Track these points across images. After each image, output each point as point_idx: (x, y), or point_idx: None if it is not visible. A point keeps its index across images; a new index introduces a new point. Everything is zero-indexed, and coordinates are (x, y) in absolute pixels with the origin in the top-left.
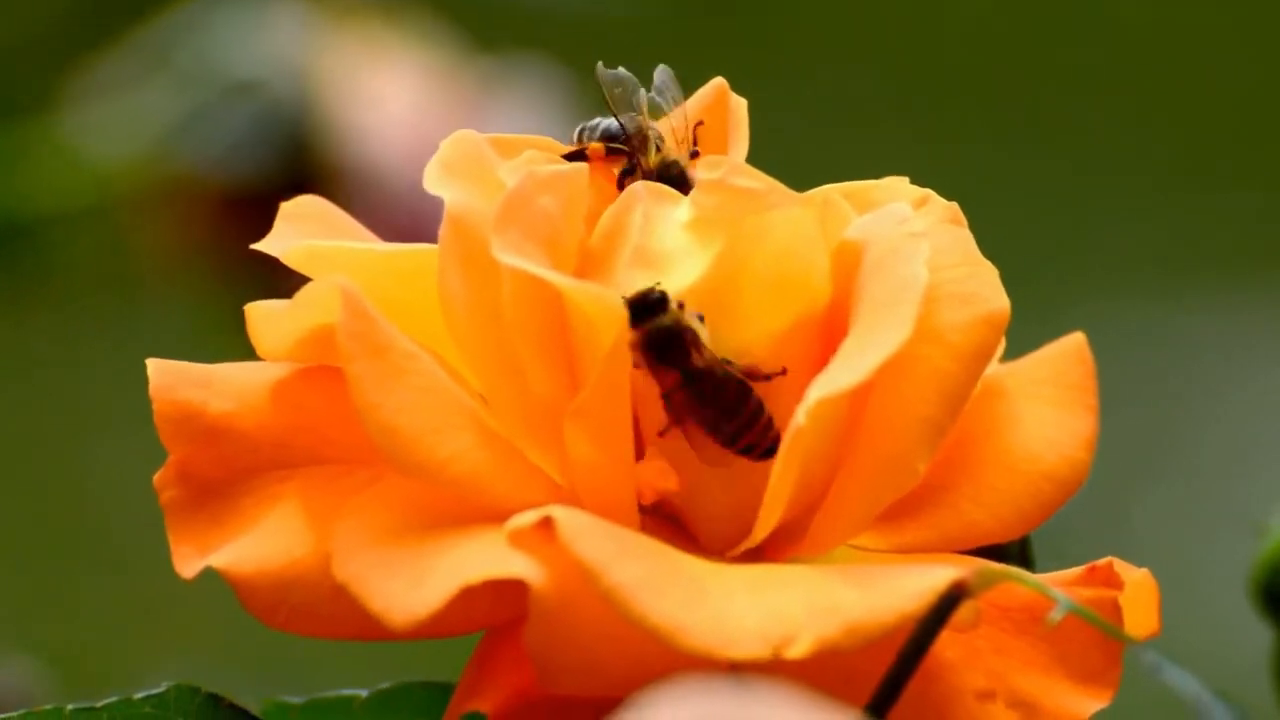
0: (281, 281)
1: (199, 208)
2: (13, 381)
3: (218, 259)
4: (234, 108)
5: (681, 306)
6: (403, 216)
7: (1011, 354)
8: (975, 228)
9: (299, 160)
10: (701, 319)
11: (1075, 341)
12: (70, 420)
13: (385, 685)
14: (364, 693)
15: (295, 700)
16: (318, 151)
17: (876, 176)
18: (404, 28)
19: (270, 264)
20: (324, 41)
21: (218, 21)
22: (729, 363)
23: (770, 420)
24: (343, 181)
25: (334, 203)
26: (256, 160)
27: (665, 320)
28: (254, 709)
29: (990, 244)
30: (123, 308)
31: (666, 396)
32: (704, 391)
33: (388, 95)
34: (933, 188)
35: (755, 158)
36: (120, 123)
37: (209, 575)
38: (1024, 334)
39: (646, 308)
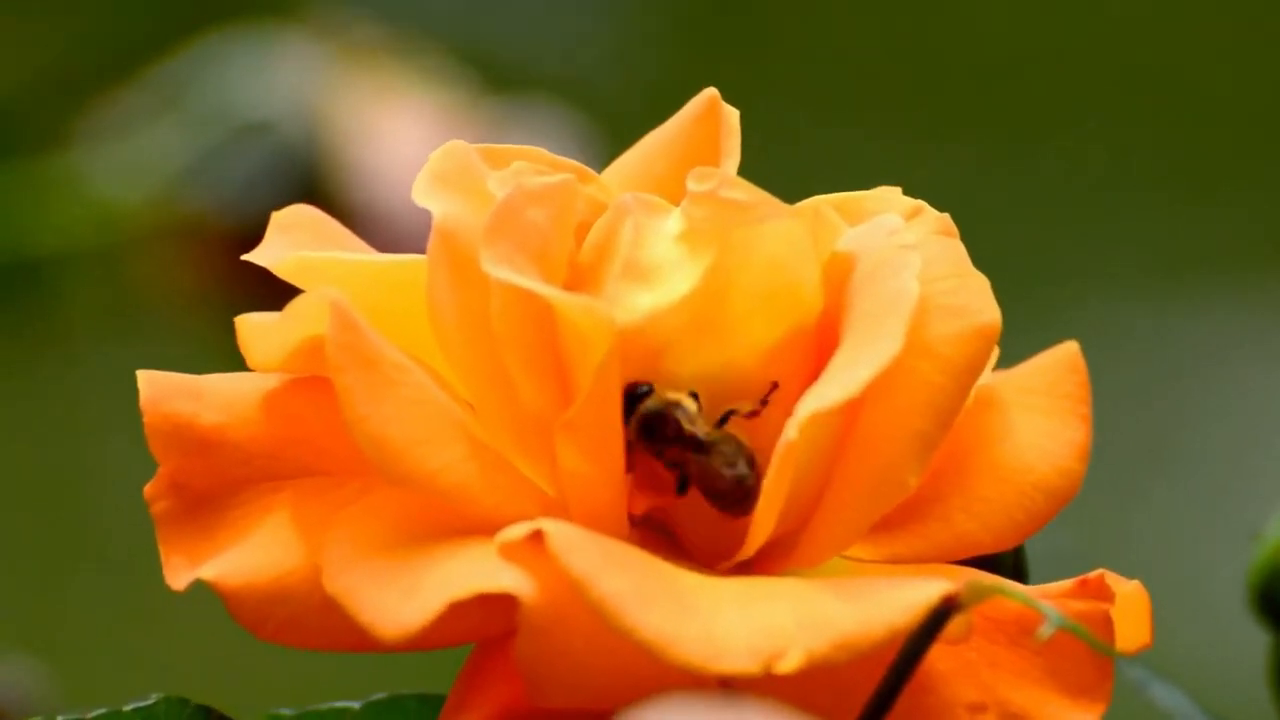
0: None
1: (208, 248)
2: (19, 417)
3: (226, 300)
4: (244, 149)
5: (675, 404)
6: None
7: (1010, 358)
8: (973, 231)
9: (309, 201)
10: (696, 396)
11: (1068, 350)
12: (75, 453)
13: (379, 697)
14: (357, 705)
15: (288, 712)
16: (328, 192)
17: (872, 181)
18: (414, 69)
19: (278, 304)
20: (334, 83)
21: (229, 62)
22: (729, 416)
23: (751, 489)
24: (353, 222)
25: None
26: (266, 201)
27: (652, 404)
28: (248, 718)
29: (987, 248)
30: (129, 347)
31: (669, 465)
32: (695, 473)
33: (398, 137)
34: (931, 191)
35: (750, 170)
36: (130, 163)
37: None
38: (1022, 339)
39: (633, 398)
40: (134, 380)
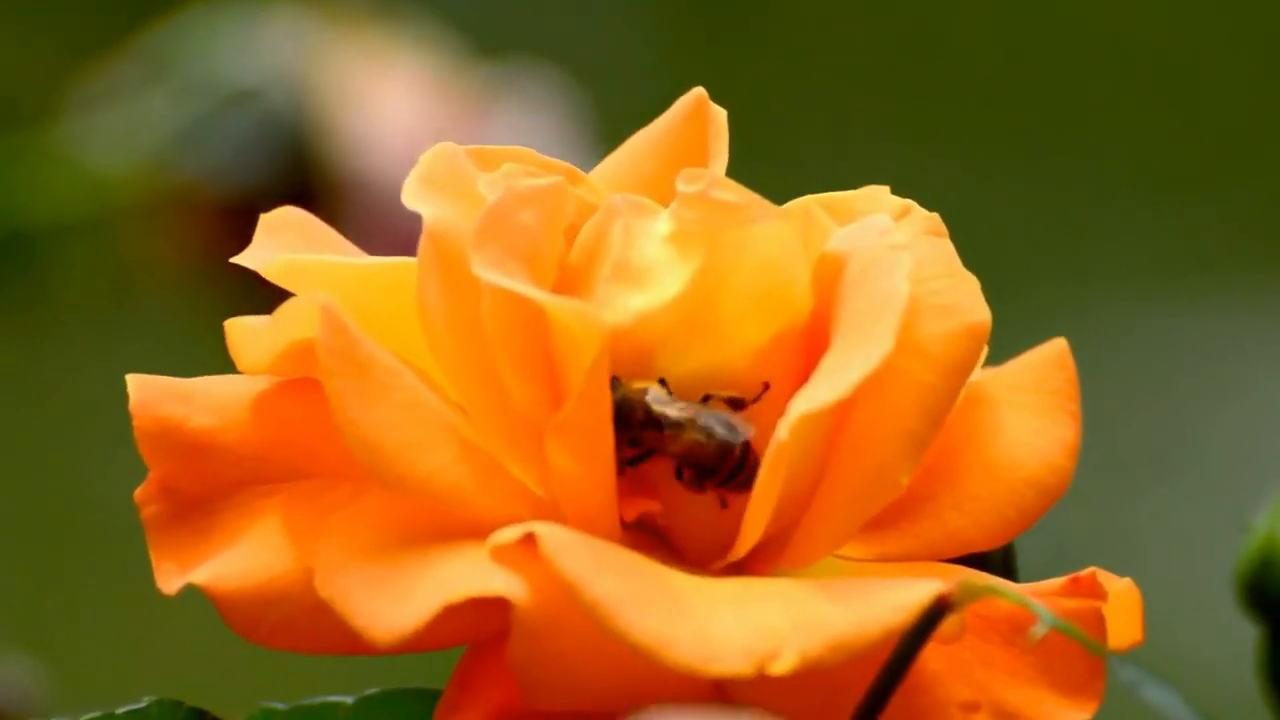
0: (280, 293)
1: (198, 218)
2: (10, 390)
3: (216, 269)
4: (233, 117)
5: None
6: (403, 226)
7: (1009, 359)
8: (971, 231)
9: (298, 170)
10: (664, 383)
11: (1057, 347)
12: (67, 427)
13: (372, 692)
14: (350, 699)
15: (281, 706)
16: (317, 161)
17: (867, 179)
18: (404, 36)
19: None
20: (323, 50)
21: (217, 31)
22: (709, 398)
23: (746, 459)
24: (342, 191)
25: (334, 213)
26: (256, 170)
27: (616, 396)
28: (241, 716)
29: (986, 248)
30: (121, 318)
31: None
32: (679, 453)
33: (388, 104)
34: (928, 191)
35: (748, 166)
36: (119, 133)
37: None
38: (1022, 339)
39: None
40: (126, 354)
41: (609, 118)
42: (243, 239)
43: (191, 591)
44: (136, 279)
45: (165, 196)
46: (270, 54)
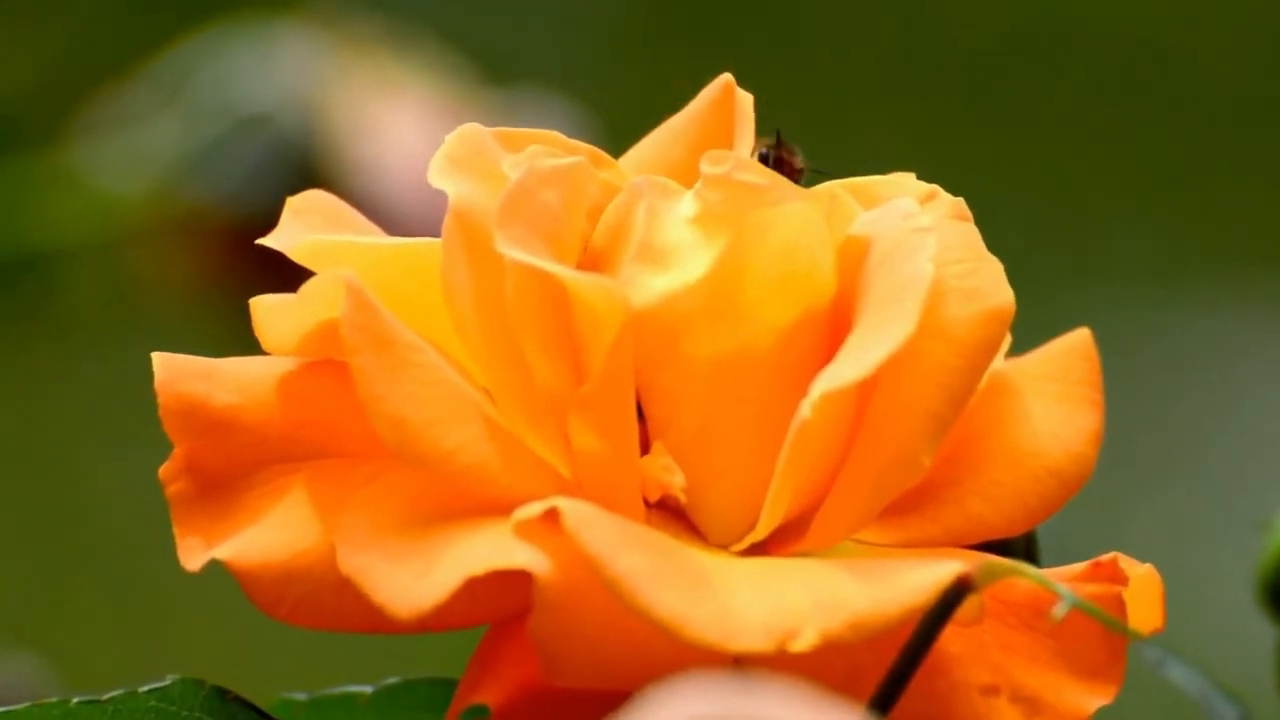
0: None
1: (208, 242)
2: (21, 409)
3: (226, 293)
4: (243, 141)
5: None
6: None
7: (1014, 356)
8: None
9: None
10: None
11: (1081, 337)
12: (76, 444)
13: (391, 681)
14: (369, 689)
15: (301, 697)
16: (327, 185)
17: (874, 174)
18: (413, 61)
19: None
20: (333, 75)
21: (227, 55)
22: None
23: None
24: None
25: None
26: (266, 194)
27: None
28: (260, 706)
29: (990, 246)
30: (130, 340)
31: None
32: None
33: (397, 129)
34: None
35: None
36: (130, 157)
37: (214, 574)
38: (1024, 338)
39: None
40: (134, 375)
41: (618, 144)
42: (252, 263)
43: (201, 590)
44: (146, 302)
45: (175, 220)
46: (281, 79)
